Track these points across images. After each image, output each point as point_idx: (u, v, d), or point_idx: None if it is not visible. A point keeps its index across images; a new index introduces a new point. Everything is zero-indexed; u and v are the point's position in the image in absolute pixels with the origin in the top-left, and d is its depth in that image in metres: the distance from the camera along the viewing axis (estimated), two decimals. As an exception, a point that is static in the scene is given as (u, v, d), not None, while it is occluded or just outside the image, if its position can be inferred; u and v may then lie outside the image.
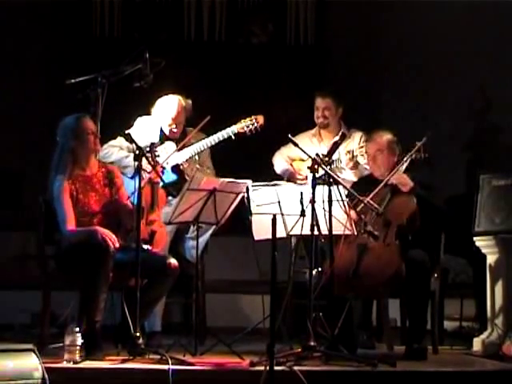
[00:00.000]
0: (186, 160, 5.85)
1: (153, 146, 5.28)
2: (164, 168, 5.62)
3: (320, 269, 5.24)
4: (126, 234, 5.21)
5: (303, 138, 6.19)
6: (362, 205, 5.24)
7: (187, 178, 5.71)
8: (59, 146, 5.25)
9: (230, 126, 5.87)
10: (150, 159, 5.13)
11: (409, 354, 5.26)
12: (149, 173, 5.24)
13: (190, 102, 6.05)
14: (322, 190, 4.99)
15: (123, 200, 5.29)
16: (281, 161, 6.36)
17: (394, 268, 5.25)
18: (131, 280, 4.97)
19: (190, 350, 5.07)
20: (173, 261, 5.19)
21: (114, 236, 5.01)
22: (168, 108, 5.90)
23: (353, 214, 5.26)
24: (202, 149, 5.88)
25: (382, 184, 5.45)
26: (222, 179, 5.34)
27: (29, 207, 6.33)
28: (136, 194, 4.96)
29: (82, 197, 5.21)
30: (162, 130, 5.95)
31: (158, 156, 5.38)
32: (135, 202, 4.99)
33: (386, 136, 5.66)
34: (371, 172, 5.78)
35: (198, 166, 5.87)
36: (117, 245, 4.98)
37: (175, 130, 5.91)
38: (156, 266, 5.12)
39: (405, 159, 5.54)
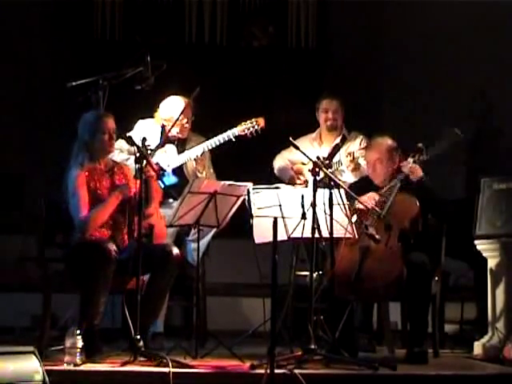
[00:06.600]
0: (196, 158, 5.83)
1: (145, 140, 5.24)
2: (165, 171, 5.62)
3: (321, 272, 5.24)
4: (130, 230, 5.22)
5: (304, 141, 6.19)
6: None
7: (189, 178, 5.71)
8: (77, 138, 5.29)
9: (230, 129, 5.88)
10: (144, 153, 5.07)
11: (409, 358, 5.25)
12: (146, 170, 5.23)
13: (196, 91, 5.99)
14: (322, 193, 4.99)
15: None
16: (281, 164, 6.36)
17: (396, 272, 5.24)
18: (132, 280, 4.96)
19: (191, 352, 5.06)
20: (175, 250, 5.18)
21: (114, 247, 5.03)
22: (175, 105, 5.92)
23: (376, 196, 5.33)
24: (203, 151, 5.88)
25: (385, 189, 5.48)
26: (223, 182, 5.34)
27: (29, 210, 6.32)
28: (137, 196, 4.96)
29: (98, 187, 5.23)
30: (162, 133, 5.96)
31: (153, 151, 5.37)
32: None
33: (386, 143, 5.61)
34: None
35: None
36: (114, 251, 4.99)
37: (186, 126, 5.91)
38: (158, 255, 5.11)
39: (409, 162, 5.53)
